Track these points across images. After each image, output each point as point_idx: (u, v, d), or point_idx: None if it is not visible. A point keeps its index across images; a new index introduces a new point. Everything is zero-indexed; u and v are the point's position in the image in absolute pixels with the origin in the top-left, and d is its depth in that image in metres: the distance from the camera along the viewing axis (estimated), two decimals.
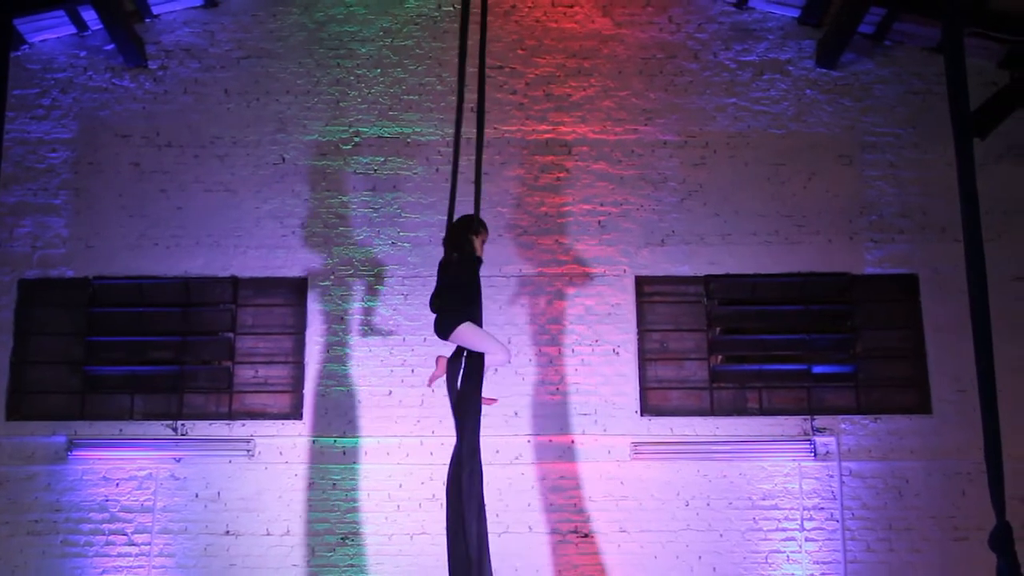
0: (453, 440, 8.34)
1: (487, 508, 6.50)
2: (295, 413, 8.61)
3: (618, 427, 8.54)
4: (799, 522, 8.33)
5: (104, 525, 8.32)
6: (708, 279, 8.88)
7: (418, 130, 9.13)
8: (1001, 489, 5.82)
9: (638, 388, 8.64)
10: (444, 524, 6.45)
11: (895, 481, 8.42)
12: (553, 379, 8.61)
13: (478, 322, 6.62)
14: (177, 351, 8.80)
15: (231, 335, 8.80)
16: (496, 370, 7.04)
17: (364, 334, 8.72)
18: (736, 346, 8.88)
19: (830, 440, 8.49)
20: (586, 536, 8.33)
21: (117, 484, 8.39)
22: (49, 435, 8.49)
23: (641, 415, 8.59)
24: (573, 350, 8.69)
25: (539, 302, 8.79)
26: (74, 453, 8.42)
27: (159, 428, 8.56)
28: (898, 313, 8.84)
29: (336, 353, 8.68)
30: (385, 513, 8.35)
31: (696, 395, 8.70)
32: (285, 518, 8.34)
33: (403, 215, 8.97)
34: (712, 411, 8.64)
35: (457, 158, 6.82)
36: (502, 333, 8.27)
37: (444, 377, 6.73)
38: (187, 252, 8.86)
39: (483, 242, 6.87)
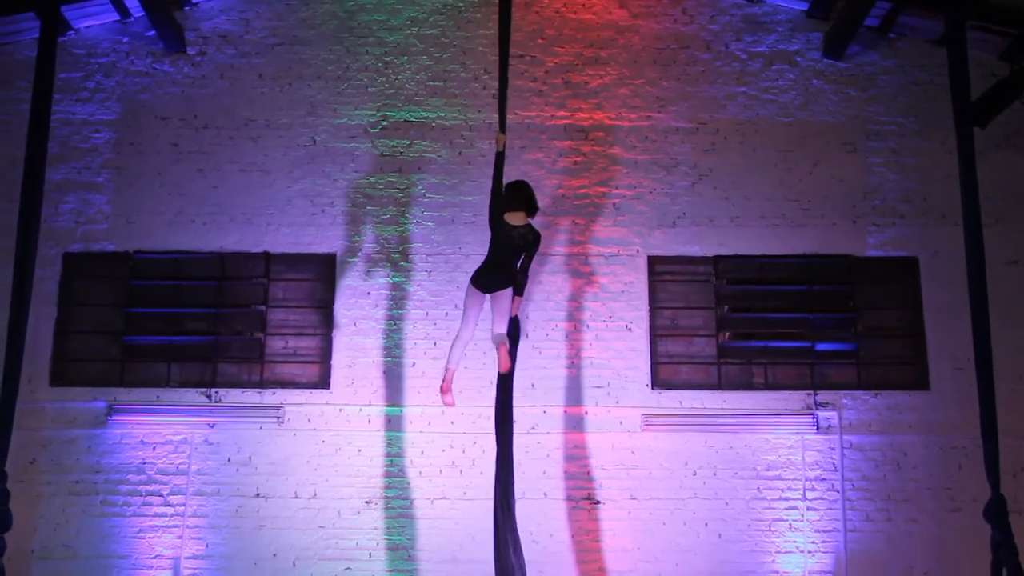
0: (472, 410, 8.76)
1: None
2: (323, 383, 8.92)
3: (630, 399, 8.83)
4: (801, 492, 8.61)
5: (141, 487, 8.64)
6: (717, 259, 9.15)
7: (442, 115, 9.41)
8: (996, 463, 6.11)
9: (649, 362, 8.92)
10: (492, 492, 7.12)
11: (894, 454, 8.68)
12: (569, 353, 8.90)
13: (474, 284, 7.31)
14: (212, 322, 9.11)
15: (263, 308, 9.10)
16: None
17: (389, 308, 9.02)
18: (743, 324, 9.14)
19: (832, 414, 8.75)
20: (598, 503, 8.61)
21: (154, 448, 8.71)
22: (90, 401, 8.80)
23: (652, 388, 8.87)
24: (588, 325, 8.98)
25: (556, 280, 9.06)
26: (113, 418, 8.73)
27: (194, 395, 8.87)
28: (898, 294, 9.08)
29: (362, 326, 8.98)
30: (407, 478, 8.64)
31: (704, 370, 8.97)
32: (312, 482, 8.64)
33: (427, 195, 9.25)
34: (720, 385, 8.91)
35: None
36: (521, 310, 8.34)
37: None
38: (222, 229, 9.17)
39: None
